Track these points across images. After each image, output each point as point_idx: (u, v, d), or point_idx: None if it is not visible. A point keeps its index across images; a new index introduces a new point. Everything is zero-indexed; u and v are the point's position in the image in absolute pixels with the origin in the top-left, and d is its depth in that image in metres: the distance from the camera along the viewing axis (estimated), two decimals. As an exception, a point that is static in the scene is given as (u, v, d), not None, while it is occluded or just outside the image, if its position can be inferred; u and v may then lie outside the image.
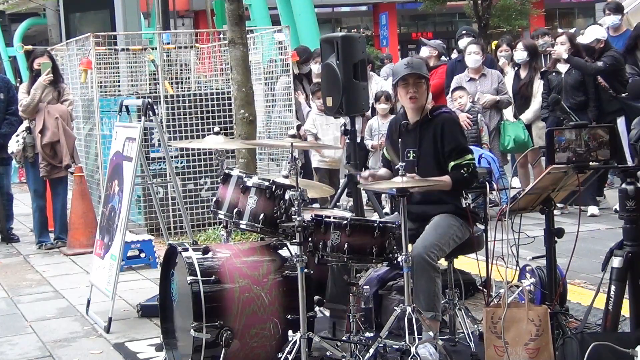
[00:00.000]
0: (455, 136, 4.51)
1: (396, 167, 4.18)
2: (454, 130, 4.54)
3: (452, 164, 4.46)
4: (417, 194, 4.49)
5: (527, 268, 4.83)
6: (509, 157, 9.89)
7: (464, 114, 8.12)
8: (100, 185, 8.14)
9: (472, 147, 4.87)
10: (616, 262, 3.81)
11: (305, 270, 4.02)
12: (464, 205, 4.52)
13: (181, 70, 10.52)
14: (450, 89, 8.56)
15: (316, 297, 4.26)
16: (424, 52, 9.84)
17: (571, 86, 7.96)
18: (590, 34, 8.17)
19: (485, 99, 8.44)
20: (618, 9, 9.24)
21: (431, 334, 4.09)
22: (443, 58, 10.42)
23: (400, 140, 4.60)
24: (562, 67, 8.07)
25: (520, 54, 8.57)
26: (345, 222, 4.06)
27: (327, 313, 4.78)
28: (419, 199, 4.52)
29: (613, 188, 8.84)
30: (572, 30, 8.98)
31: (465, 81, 8.56)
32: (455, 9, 26.79)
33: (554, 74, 8.09)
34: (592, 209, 8.12)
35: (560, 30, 9.17)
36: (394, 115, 8.19)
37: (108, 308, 5.36)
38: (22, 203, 10.52)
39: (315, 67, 8.97)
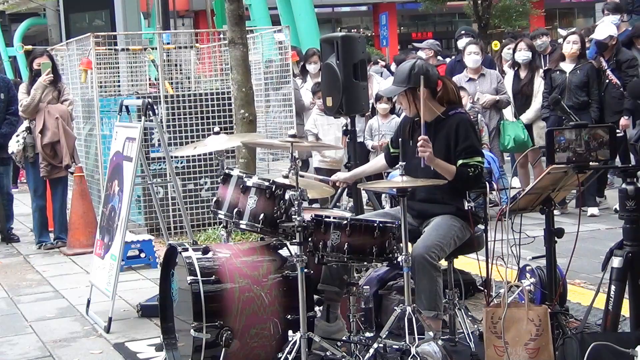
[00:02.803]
0: (469, 136, 4.48)
1: (396, 167, 4.18)
2: (468, 130, 4.50)
3: (460, 161, 4.45)
4: (421, 191, 4.49)
5: (527, 268, 4.83)
6: (508, 157, 9.90)
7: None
8: (100, 185, 8.14)
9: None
10: (616, 262, 3.81)
11: (305, 270, 4.02)
12: (466, 208, 4.52)
13: (181, 71, 10.53)
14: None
15: (316, 297, 4.26)
16: (421, 55, 9.86)
17: (575, 85, 7.96)
18: (604, 31, 8.16)
19: (485, 99, 8.44)
20: (617, 9, 9.25)
21: (431, 334, 4.09)
22: (440, 58, 10.43)
23: (411, 137, 4.60)
24: (567, 66, 8.06)
25: (525, 54, 8.54)
26: (345, 222, 4.06)
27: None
28: (423, 197, 4.52)
29: (613, 188, 8.84)
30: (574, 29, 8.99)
31: (465, 81, 8.55)
32: (455, 9, 26.81)
33: (557, 72, 8.08)
34: (592, 210, 8.12)
35: (561, 31, 9.17)
36: (394, 115, 8.22)
37: (108, 308, 5.36)
38: (22, 203, 10.52)
39: (312, 68, 8.98)
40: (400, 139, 4.61)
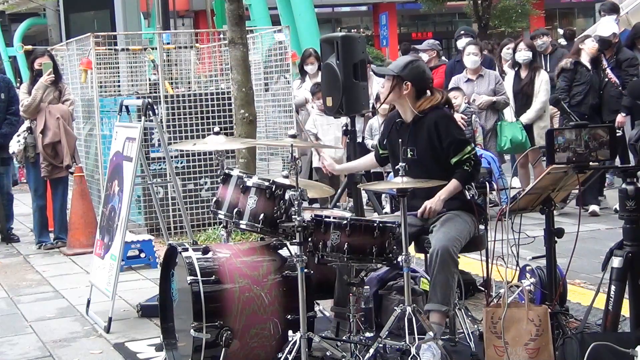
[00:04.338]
0: (449, 131, 4.53)
1: (396, 167, 4.18)
2: (448, 124, 4.56)
3: (453, 160, 4.49)
4: (422, 190, 4.49)
5: (527, 268, 4.83)
6: (507, 157, 9.88)
7: (459, 114, 8.08)
8: (100, 185, 8.14)
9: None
10: (616, 262, 3.81)
11: (305, 270, 4.02)
12: (468, 197, 4.54)
13: (181, 70, 10.54)
14: (447, 90, 8.55)
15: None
16: (424, 56, 9.84)
17: (597, 86, 8.02)
18: (607, 28, 8.17)
19: (481, 100, 8.41)
20: (613, 10, 9.26)
21: (431, 334, 4.09)
22: (444, 58, 10.41)
23: (397, 137, 4.61)
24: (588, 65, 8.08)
25: (525, 54, 8.53)
26: (345, 222, 4.06)
27: (329, 314, 4.78)
28: (424, 195, 4.52)
29: (613, 188, 8.83)
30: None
31: (463, 82, 8.54)
32: (455, 9, 26.82)
33: (585, 68, 8.07)
34: (594, 207, 8.13)
35: (561, 31, 9.17)
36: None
37: (108, 308, 5.36)
38: (22, 203, 10.52)
39: (309, 68, 8.97)
40: (386, 141, 4.68)
